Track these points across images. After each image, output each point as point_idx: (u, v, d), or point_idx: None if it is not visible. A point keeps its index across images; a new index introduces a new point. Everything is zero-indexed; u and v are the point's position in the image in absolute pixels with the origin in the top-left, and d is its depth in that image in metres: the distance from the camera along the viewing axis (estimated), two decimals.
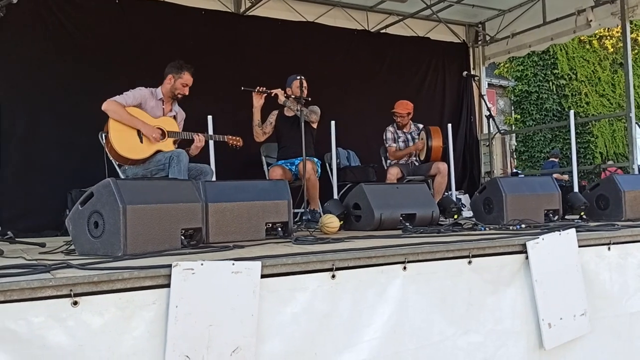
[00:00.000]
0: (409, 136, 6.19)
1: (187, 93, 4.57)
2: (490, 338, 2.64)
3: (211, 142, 4.96)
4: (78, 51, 5.78)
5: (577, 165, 5.91)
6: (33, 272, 1.91)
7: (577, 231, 3.05)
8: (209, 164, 4.86)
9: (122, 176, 4.33)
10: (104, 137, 4.28)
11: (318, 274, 2.35)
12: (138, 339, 1.92)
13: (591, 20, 7.06)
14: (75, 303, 1.82)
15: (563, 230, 2.98)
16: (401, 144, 6.19)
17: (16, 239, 3.47)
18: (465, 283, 2.65)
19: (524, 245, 2.84)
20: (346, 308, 2.36)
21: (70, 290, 1.81)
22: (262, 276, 2.19)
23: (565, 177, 10.61)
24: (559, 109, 17.39)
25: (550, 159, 12.68)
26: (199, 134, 4.54)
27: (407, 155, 6.13)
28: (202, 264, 2.06)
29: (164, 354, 1.94)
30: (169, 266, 2.00)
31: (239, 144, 4.81)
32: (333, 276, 2.37)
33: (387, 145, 6.20)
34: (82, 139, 5.15)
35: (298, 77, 5.09)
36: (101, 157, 4.30)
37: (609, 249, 3.16)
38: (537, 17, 7.65)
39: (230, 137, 4.77)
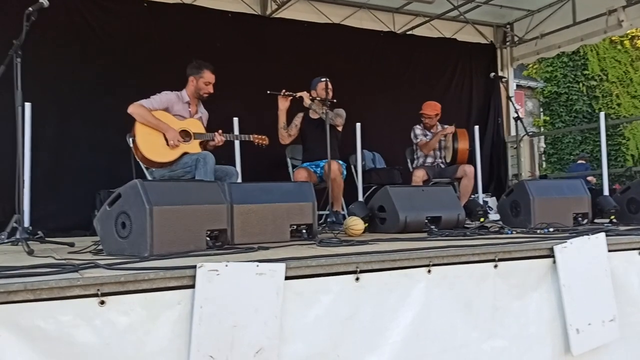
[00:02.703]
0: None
1: (212, 91, 4.61)
2: (515, 343, 2.61)
3: (237, 144, 5.00)
4: (107, 54, 5.87)
5: (608, 168, 5.79)
6: (62, 272, 1.95)
7: (606, 235, 2.99)
8: (234, 165, 4.90)
9: (149, 177, 4.39)
10: (131, 141, 4.35)
11: (342, 276, 2.35)
12: (163, 338, 1.95)
13: (622, 21, 6.91)
14: (102, 302, 1.85)
15: (592, 234, 2.93)
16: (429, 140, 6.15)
17: (46, 239, 3.53)
18: (490, 287, 2.62)
19: (552, 250, 2.80)
20: (369, 311, 2.36)
21: (98, 289, 1.84)
22: (286, 278, 2.20)
23: (593, 179, 10.42)
24: (589, 111, 17.09)
25: (579, 161, 12.47)
26: (219, 134, 4.55)
27: (438, 140, 6.04)
28: (226, 265, 2.08)
29: (189, 353, 1.97)
30: (194, 267, 2.02)
31: (264, 142, 4.84)
32: (357, 279, 2.37)
33: (417, 140, 6.14)
34: (110, 141, 5.23)
35: (323, 80, 5.09)
36: (129, 159, 4.37)
37: (639, 253, 3.09)
38: (567, 18, 7.51)
39: (256, 136, 4.81)
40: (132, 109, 4.28)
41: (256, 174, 5.28)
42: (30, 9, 3.39)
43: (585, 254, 2.84)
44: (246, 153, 5.15)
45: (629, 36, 17.58)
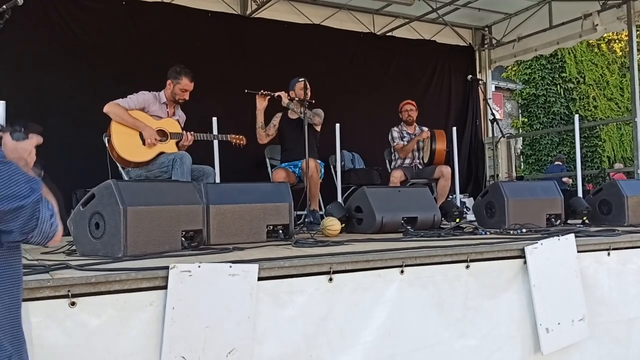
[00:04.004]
0: (413, 137, 6.20)
1: (187, 98, 4.60)
2: (485, 342, 2.66)
3: (215, 143, 4.98)
4: (84, 52, 5.81)
5: (584, 169, 5.89)
6: (32, 273, 1.94)
7: (576, 236, 3.06)
8: (213, 165, 4.88)
9: (125, 178, 4.36)
10: (106, 140, 4.32)
11: (315, 277, 2.37)
12: (134, 339, 1.95)
13: (597, 25, 7.03)
14: (72, 304, 1.85)
15: (562, 235, 2.99)
16: (405, 144, 6.20)
17: None
18: (462, 287, 2.66)
19: (523, 250, 2.85)
20: (343, 311, 2.38)
21: (68, 291, 1.84)
22: (260, 279, 2.21)
23: (569, 180, 10.59)
24: (567, 113, 17.32)
25: (556, 163, 12.65)
26: (189, 133, 4.52)
27: (414, 145, 6.11)
28: (199, 266, 2.08)
29: (160, 354, 1.97)
30: (167, 268, 2.02)
31: (242, 142, 4.84)
32: (330, 279, 2.39)
33: (394, 143, 6.20)
34: (87, 140, 5.18)
35: (301, 80, 5.11)
36: (106, 158, 4.34)
37: (608, 254, 3.16)
38: (544, 21, 7.62)
39: (233, 136, 4.80)
40: (108, 108, 4.25)
41: (235, 174, 5.26)
42: (4, 7, 3.35)
43: (555, 255, 2.89)
44: (225, 153, 5.14)
45: (606, 39, 17.86)
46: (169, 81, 4.54)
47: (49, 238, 1.36)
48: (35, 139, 1.50)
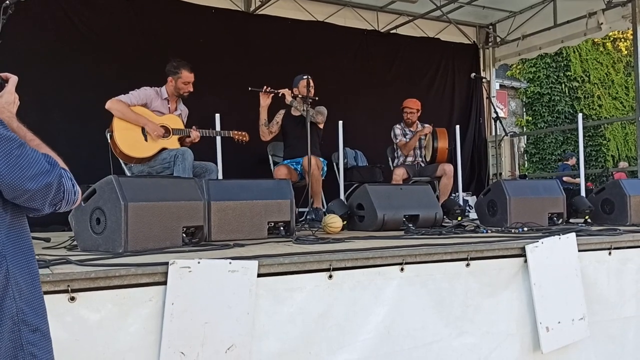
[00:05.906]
0: (415, 133, 6.19)
1: (191, 90, 4.61)
2: (484, 340, 2.66)
3: (218, 140, 4.99)
4: (88, 48, 5.82)
5: (588, 168, 5.89)
6: None
7: (577, 235, 3.05)
8: (216, 162, 4.89)
9: (128, 173, 4.37)
10: (109, 136, 4.33)
11: (315, 274, 2.37)
12: (134, 335, 1.96)
13: (602, 23, 6.99)
14: (72, 299, 1.85)
15: (563, 234, 2.98)
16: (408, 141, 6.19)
17: None
18: (462, 285, 2.66)
19: (523, 249, 2.84)
20: (342, 308, 2.39)
21: (68, 286, 1.85)
22: (259, 275, 2.21)
23: (577, 180, 10.55)
24: (571, 112, 17.26)
25: (565, 162, 12.60)
26: (195, 129, 4.54)
27: (417, 141, 6.09)
28: (198, 262, 2.09)
29: (159, 350, 1.98)
30: (166, 264, 2.03)
31: (244, 138, 4.85)
32: (330, 276, 2.39)
33: (397, 141, 6.19)
34: (90, 135, 5.19)
35: (305, 77, 5.11)
36: (109, 154, 4.35)
37: (609, 253, 3.16)
38: (548, 19, 7.59)
39: (235, 132, 4.81)
40: (110, 105, 4.26)
41: (238, 170, 5.27)
42: (7, 2, 3.35)
43: (556, 254, 2.89)
44: (228, 150, 5.14)
45: (611, 38, 17.77)
46: (169, 78, 4.55)
47: (74, 204, 1.46)
48: (11, 85, 1.53)
